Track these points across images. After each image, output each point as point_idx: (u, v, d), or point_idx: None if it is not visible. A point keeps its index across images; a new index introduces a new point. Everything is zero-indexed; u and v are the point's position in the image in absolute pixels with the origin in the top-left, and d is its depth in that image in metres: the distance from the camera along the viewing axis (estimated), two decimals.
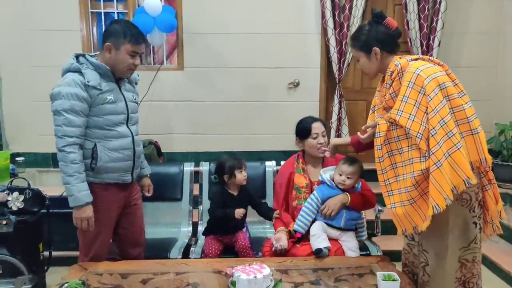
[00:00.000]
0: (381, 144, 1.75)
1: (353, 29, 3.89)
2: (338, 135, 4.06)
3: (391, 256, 2.09)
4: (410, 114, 1.65)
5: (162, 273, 1.88)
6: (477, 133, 1.71)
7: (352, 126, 4.17)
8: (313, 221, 2.20)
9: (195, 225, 2.84)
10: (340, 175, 2.19)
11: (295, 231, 2.19)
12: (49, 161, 3.94)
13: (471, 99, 4.49)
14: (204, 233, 2.52)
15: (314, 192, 2.23)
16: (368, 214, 2.92)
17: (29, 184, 2.62)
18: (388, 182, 1.75)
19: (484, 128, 4.49)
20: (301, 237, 2.21)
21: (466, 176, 1.62)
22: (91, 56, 2.05)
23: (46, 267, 2.67)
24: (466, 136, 1.69)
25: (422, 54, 3.93)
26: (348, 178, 2.17)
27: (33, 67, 3.84)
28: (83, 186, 1.95)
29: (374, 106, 1.98)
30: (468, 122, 1.70)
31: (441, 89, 1.67)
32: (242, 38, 3.95)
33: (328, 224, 2.18)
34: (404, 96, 1.67)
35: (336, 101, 4.01)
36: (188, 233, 2.86)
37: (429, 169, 1.63)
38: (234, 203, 2.40)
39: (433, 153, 1.60)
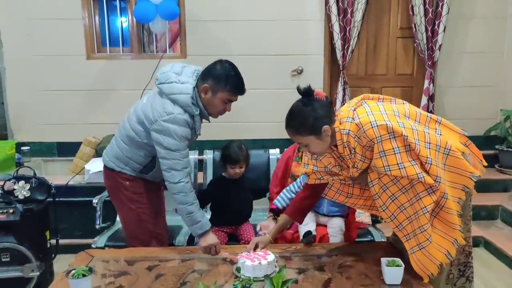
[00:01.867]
0: (377, 193, 1.65)
1: (357, 15, 3.85)
2: None
3: None
4: (398, 164, 1.54)
5: (168, 260, 1.89)
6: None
7: None
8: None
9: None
10: None
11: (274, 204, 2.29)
12: (54, 150, 3.96)
13: (477, 85, 4.47)
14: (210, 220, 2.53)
15: (301, 176, 2.31)
16: None
17: (34, 173, 2.64)
18: (401, 227, 1.65)
19: (489, 114, 4.46)
20: (279, 211, 2.29)
21: (468, 172, 1.61)
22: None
23: (53, 255, 2.71)
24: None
25: (427, 40, 3.89)
26: None
27: (36, 56, 3.83)
28: (203, 212, 2.02)
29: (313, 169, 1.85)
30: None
31: (399, 116, 1.61)
32: (245, 25, 3.92)
33: (315, 211, 2.28)
34: (380, 152, 1.56)
35: (340, 88, 3.98)
36: None
37: (439, 201, 1.57)
38: (233, 189, 2.41)
39: (441, 179, 1.55)
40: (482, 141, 4.07)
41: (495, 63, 4.10)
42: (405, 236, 1.65)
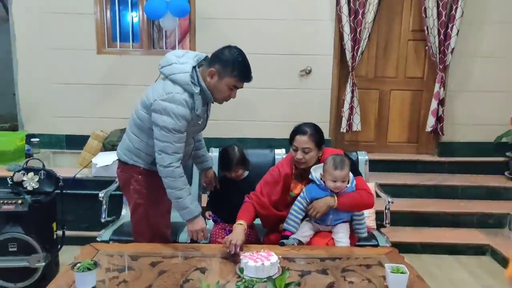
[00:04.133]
0: None
1: (368, 16, 3.83)
2: (349, 125, 4.02)
3: (399, 248, 2.06)
4: None
5: (171, 256, 1.90)
6: None
7: (364, 115, 4.14)
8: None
9: (204, 210, 2.85)
10: (334, 181, 2.02)
11: (284, 230, 2.11)
12: (62, 143, 4.00)
13: (488, 90, 4.42)
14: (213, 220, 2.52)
15: (304, 190, 2.13)
16: (378, 205, 2.90)
17: (43, 165, 2.67)
18: None
19: (501, 120, 4.41)
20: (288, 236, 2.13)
21: None
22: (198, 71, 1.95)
23: (59, 246, 2.73)
24: None
25: (439, 43, 3.86)
26: (343, 182, 2.03)
27: (48, 49, 3.87)
28: (192, 198, 2.01)
29: None
30: None
31: None
32: (255, 24, 3.91)
33: (317, 223, 2.15)
34: None
35: (348, 89, 3.96)
36: None
37: None
38: (235, 189, 2.41)
39: None
40: (492, 148, 4.04)
41: (508, 68, 4.05)
42: None
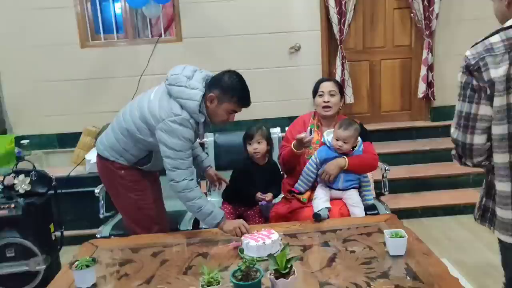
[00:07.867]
0: None
1: None
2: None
3: (400, 214, 2.08)
4: None
5: (173, 245, 1.89)
6: None
7: (356, 87, 4.11)
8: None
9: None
10: (337, 140, 2.15)
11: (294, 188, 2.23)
12: (54, 142, 3.95)
13: None
14: (222, 196, 2.51)
15: (315, 153, 2.25)
16: (376, 174, 2.90)
17: (34, 166, 2.63)
18: None
19: None
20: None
21: None
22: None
23: (59, 247, 2.71)
24: None
25: (423, 9, 3.81)
26: (344, 143, 2.13)
27: (30, 46, 3.77)
28: (212, 203, 2.02)
29: None
30: None
31: None
32: (240, 4, 3.84)
33: (329, 187, 2.22)
34: None
35: (338, 63, 3.93)
36: None
37: None
38: (256, 173, 2.36)
39: None
40: None
41: (493, 29, 3.98)
42: None
